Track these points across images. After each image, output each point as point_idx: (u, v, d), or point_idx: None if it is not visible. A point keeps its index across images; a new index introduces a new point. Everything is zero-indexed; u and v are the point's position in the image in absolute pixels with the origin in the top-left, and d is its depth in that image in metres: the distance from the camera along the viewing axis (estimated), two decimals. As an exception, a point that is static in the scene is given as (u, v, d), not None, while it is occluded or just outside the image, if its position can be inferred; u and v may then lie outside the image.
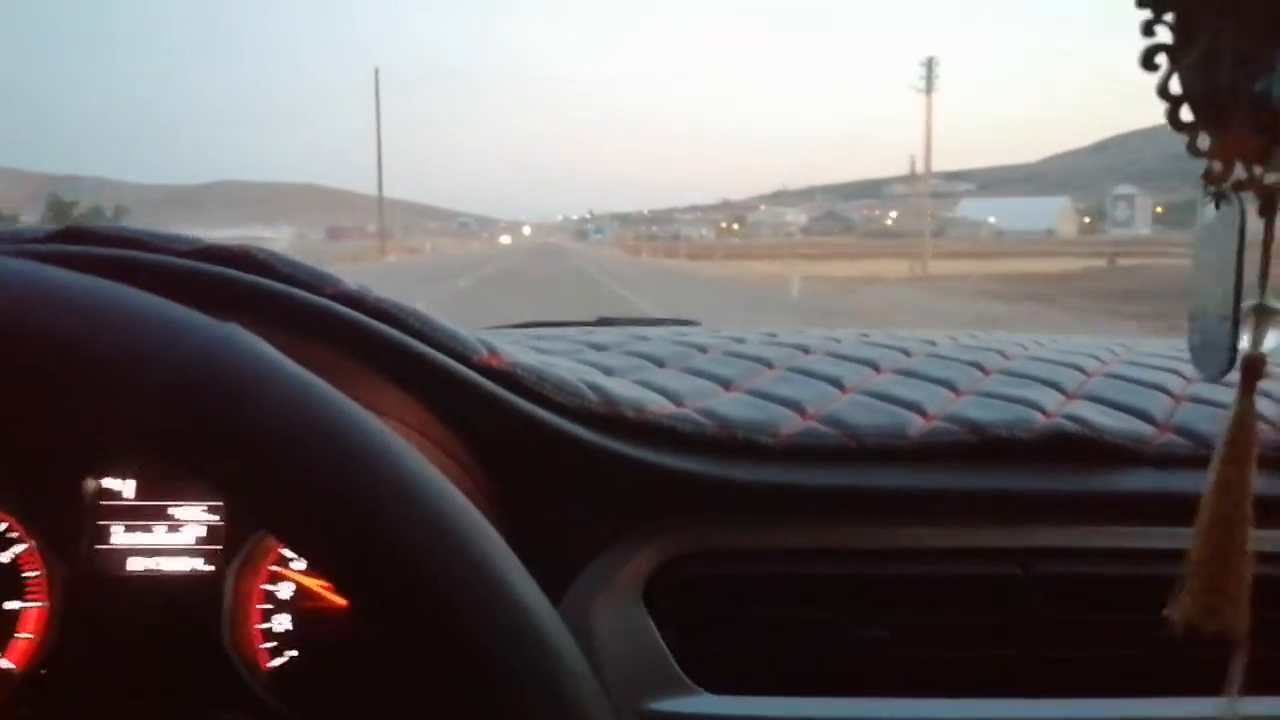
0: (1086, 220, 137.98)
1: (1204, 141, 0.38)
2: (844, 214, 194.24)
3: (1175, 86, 0.37)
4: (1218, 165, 0.38)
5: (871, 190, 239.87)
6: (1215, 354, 0.39)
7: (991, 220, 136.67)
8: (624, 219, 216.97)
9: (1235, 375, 0.39)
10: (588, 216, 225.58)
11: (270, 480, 0.34)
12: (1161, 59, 0.37)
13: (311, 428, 0.35)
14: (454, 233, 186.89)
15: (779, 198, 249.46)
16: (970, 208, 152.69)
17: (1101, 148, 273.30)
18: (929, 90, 31.80)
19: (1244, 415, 0.39)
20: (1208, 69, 0.36)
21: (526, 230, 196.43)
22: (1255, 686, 0.53)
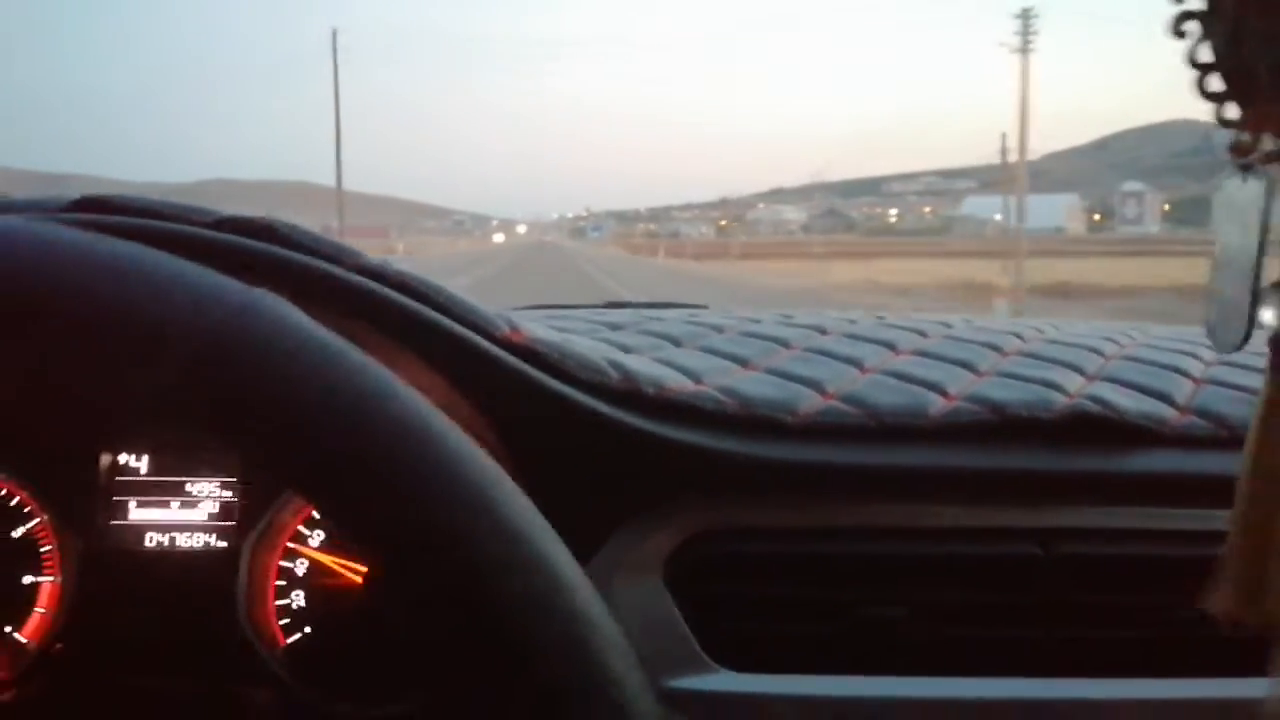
0: (1096, 218, 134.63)
1: (1232, 111, 0.37)
2: (843, 211, 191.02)
3: (1204, 55, 0.36)
4: (1246, 137, 0.37)
5: (871, 188, 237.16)
6: (1232, 327, 0.38)
7: (998, 218, 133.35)
8: (620, 217, 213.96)
9: (1253, 358, 0.37)
10: (584, 214, 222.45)
11: (300, 445, 0.34)
12: (1191, 26, 0.36)
13: (342, 393, 0.34)
14: (449, 231, 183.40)
15: (777, 195, 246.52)
16: (976, 205, 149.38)
17: (1102, 145, 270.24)
18: (1025, 50, 28.07)
19: (1274, 395, 0.38)
20: (1236, 36, 0.35)
21: (521, 229, 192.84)
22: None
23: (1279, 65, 0.34)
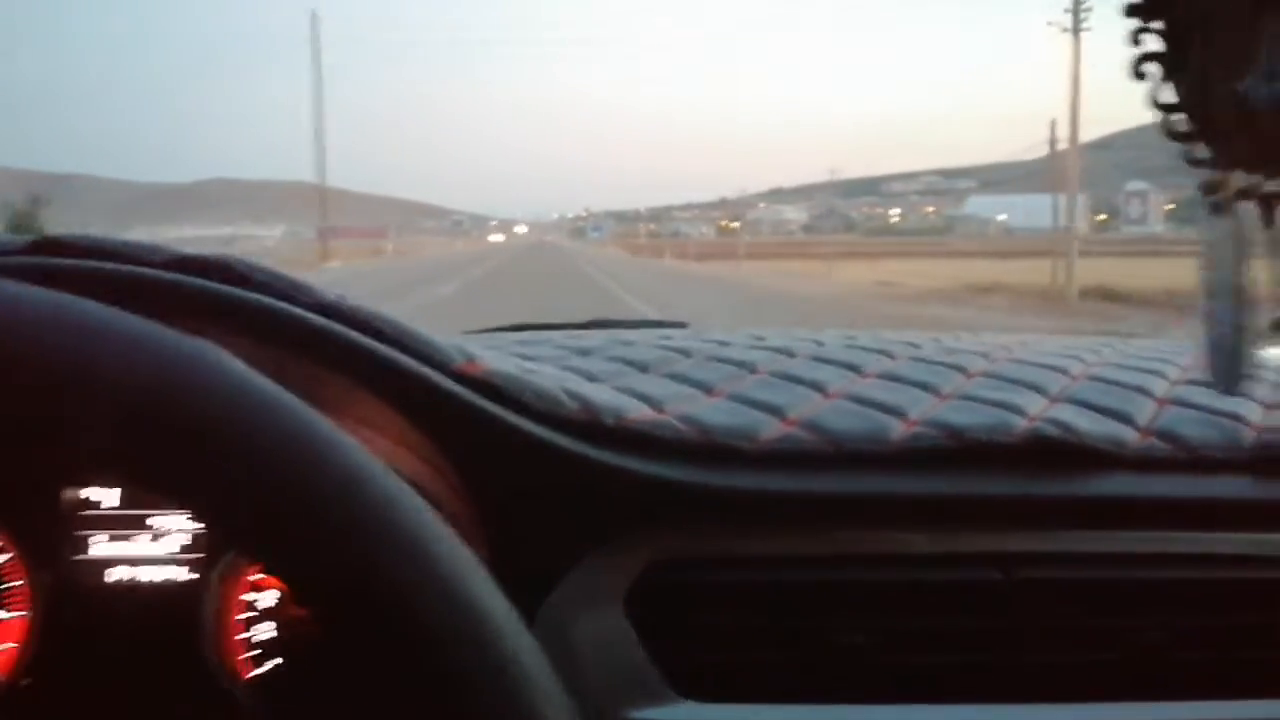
0: (1102, 217, 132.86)
1: (1201, 151, 0.37)
2: (843, 211, 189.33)
3: (1167, 95, 0.36)
4: (1215, 175, 0.37)
5: (871, 188, 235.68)
6: (1231, 367, 0.38)
7: (1001, 218, 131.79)
8: (620, 217, 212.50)
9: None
10: (583, 215, 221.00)
11: (230, 506, 0.34)
12: (1152, 68, 0.36)
13: (275, 444, 0.34)
14: (448, 231, 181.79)
15: (776, 195, 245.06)
16: (978, 204, 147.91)
17: (1104, 145, 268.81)
18: (1076, 30, 26.27)
19: None
20: (1200, 75, 0.35)
21: (521, 229, 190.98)
22: (1260, 689, 0.55)
23: (1238, 100, 0.34)
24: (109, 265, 0.57)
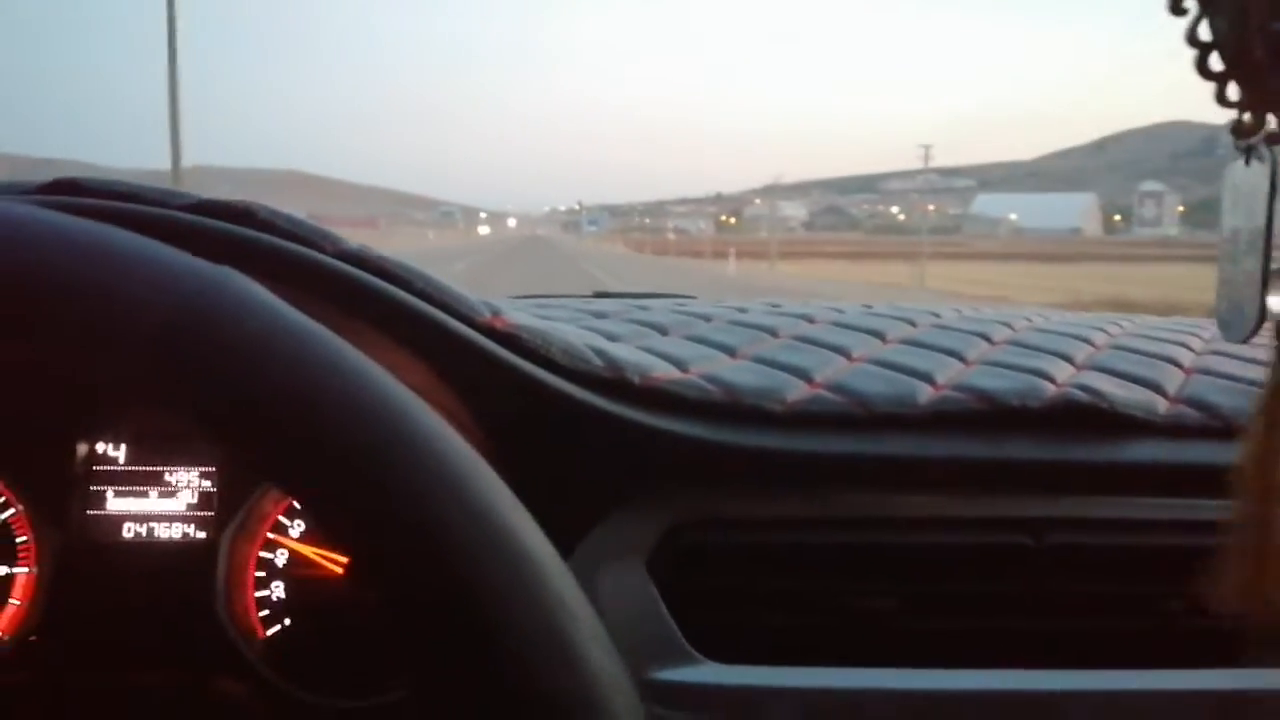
0: (1117, 218, 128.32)
1: (1233, 91, 0.35)
2: (843, 208, 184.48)
3: (1204, 33, 0.35)
4: (1248, 117, 0.36)
5: (868, 185, 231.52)
6: (1242, 316, 0.38)
7: (1012, 217, 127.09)
8: (614, 211, 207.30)
9: (1244, 348, 0.37)
10: (576, 208, 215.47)
11: (266, 427, 0.33)
12: (1190, 3, 0.35)
13: (309, 372, 0.33)
14: (437, 222, 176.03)
15: (771, 192, 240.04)
16: (987, 203, 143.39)
17: (1101, 146, 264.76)
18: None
19: (1277, 383, 0.38)
20: (1238, 13, 0.34)
21: (512, 222, 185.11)
22: (1267, 659, 0.55)
23: (1274, 38, 0.34)
24: (131, 205, 0.57)
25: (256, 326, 0.34)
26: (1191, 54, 0.35)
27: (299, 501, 0.36)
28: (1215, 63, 0.35)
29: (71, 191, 0.58)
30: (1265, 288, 0.37)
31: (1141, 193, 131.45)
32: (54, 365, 0.35)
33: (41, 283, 0.33)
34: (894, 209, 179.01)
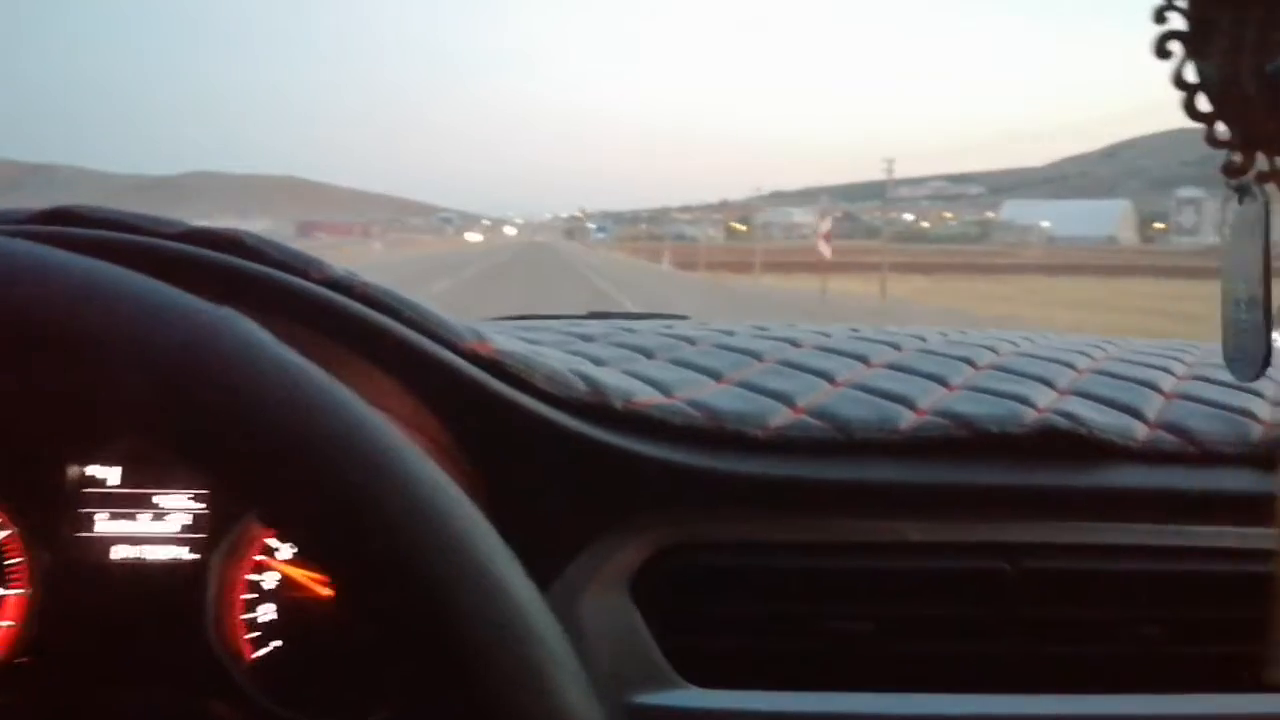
0: (1158, 226, 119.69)
1: (1222, 131, 0.35)
2: (857, 215, 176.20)
3: (1190, 75, 0.35)
4: (1238, 157, 0.36)
5: (876, 192, 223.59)
6: (1250, 355, 0.38)
7: (1045, 224, 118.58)
8: (617, 217, 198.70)
9: (1226, 373, 0.39)
10: (578, 214, 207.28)
11: (259, 465, 0.34)
12: (1175, 46, 0.35)
13: (304, 414, 0.34)
14: (433, 228, 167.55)
15: (778, 198, 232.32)
16: (1016, 210, 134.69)
17: (1112, 153, 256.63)
18: None
19: None
20: (1227, 55, 0.34)
21: (510, 230, 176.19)
22: (1244, 683, 0.55)
23: (1267, 80, 0.34)
24: (123, 235, 0.57)
25: (259, 368, 0.35)
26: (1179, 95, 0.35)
27: (285, 536, 0.38)
28: (1202, 103, 0.36)
29: (64, 221, 0.59)
30: (1269, 324, 0.37)
31: (1179, 199, 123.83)
32: (54, 401, 0.36)
33: (44, 320, 0.34)
34: (908, 216, 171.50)
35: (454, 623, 0.33)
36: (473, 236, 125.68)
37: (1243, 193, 0.36)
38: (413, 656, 0.33)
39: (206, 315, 0.36)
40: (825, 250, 22.78)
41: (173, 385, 0.34)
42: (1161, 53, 0.35)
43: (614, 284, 23.59)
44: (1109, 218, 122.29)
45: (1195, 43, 0.35)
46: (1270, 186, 0.36)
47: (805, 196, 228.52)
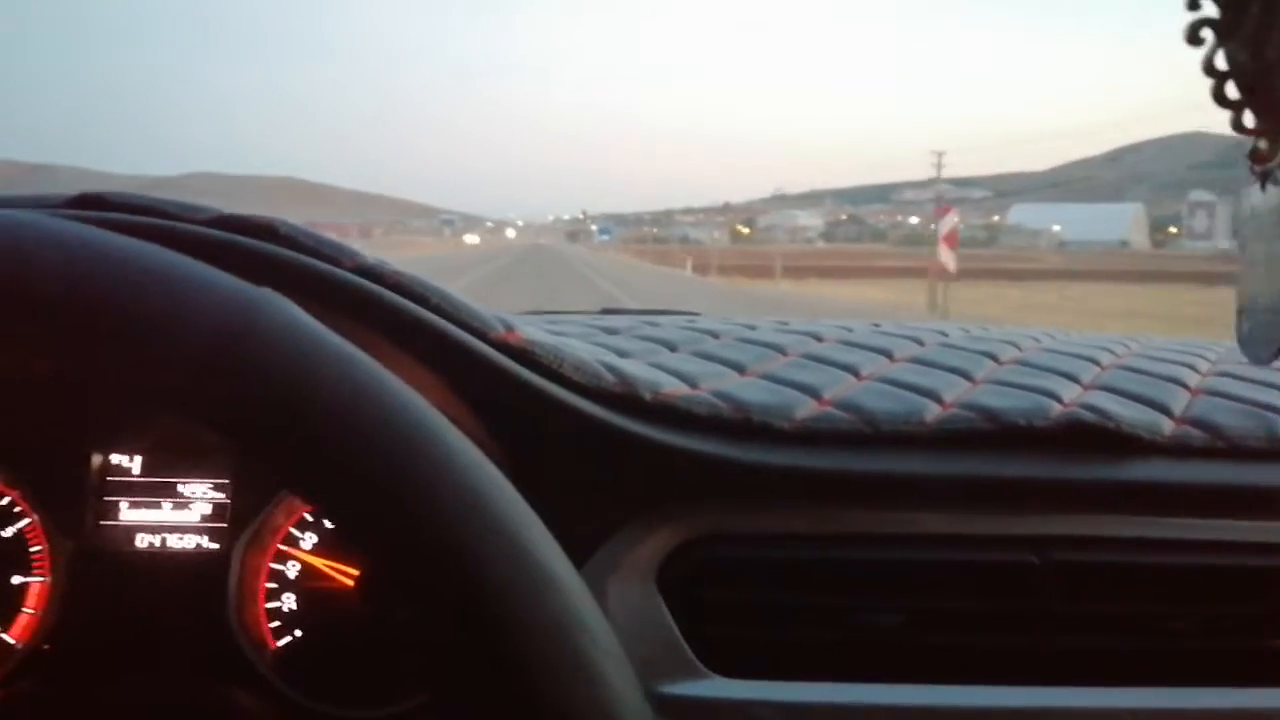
0: (1173, 230, 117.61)
1: (1249, 119, 0.36)
2: (862, 218, 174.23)
3: (1220, 62, 0.36)
4: (1264, 143, 0.36)
5: (880, 195, 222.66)
6: (1267, 338, 0.38)
7: (1055, 229, 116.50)
8: (620, 220, 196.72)
9: (1252, 370, 0.36)
10: (580, 217, 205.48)
11: (302, 443, 0.34)
12: (1207, 33, 0.36)
13: (350, 394, 0.35)
14: (435, 230, 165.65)
15: (781, 201, 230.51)
16: (1025, 213, 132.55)
17: (1117, 156, 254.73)
18: None
19: None
20: (1256, 43, 0.34)
21: (511, 233, 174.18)
22: (1265, 678, 0.56)
23: None
24: (155, 220, 0.58)
25: (296, 347, 0.35)
26: (1208, 82, 0.36)
27: (329, 518, 0.37)
28: (1231, 90, 0.36)
29: (96, 206, 0.59)
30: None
31: (1191, 202, 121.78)
32: (100, 382, 0.35)
33: (92, 298, 0.34)
34: (912, 219, 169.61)
35: (505, 612, 0.33)
36: (470, 239, 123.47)
37: (1266, 179, 0.36)
38: (460, 645, 0.33)
39: (247, 294, 0.36)
40: (949, 261, 17.03)
41: (212, 364, 0.34)
42: (1194, 39, 0.35)
43: (632, 294, 21.05)
44: (1120, 221, 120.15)
45: (1226, 30, 0.35)
46: None
47: (808, 199, 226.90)
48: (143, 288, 0.34)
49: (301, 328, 0.36)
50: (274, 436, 0.35)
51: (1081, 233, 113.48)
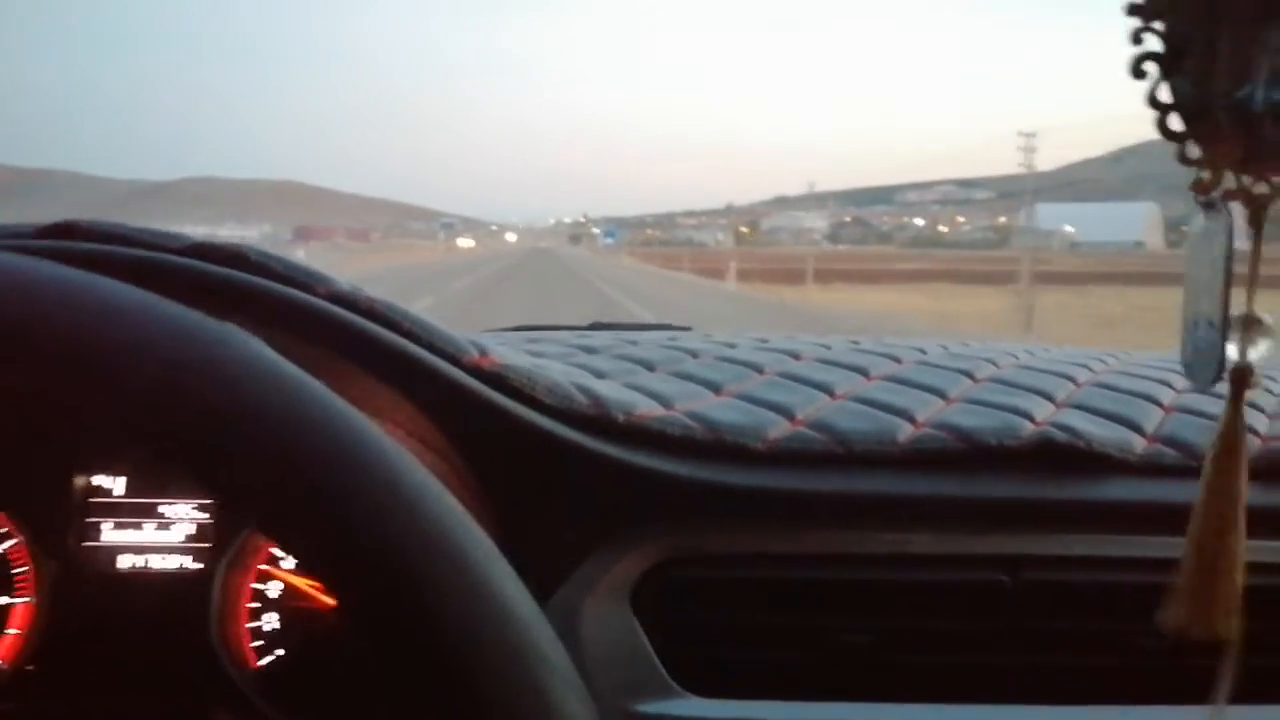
0: (1185, 230, 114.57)
1: (1193, 150, 0.37)
2: (867, 220, 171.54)
3: (1164, 95, 0.37)
4: (1206, 174, 0.38)
5: (884, 196, 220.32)
6: (1205, 364, 0.39)
7: (1069, 229, 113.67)
8: (621, 223, 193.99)
9: (1225, 386, 0.40)
10: (581, 220, 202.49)
11: (260, 480, 0.34)
12: (1150, 67, 0.37)
13: (305, 428, 0.35)
14: (433, 234, 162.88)
15: (783, 203, 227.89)
16: (1043, 213, 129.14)
17: (1118, 158, 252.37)
18: None
19: (1232, 425, 0.40)
20: (1199, 78, 0.36)
21: (511, 236, 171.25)
22: (1247, 695, 0.55)
23: (1237, 106, 0.35)
24: (126, 250, 0.58)
25: (259, 383, 0.35)
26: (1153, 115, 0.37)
27: (283, 549, 0.38)
28: (1175, 123, 0.37)
29: (69, 235, 0.59)
30: (1224, 335, 0.39)
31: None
32: (58, 415, 0.37)
33: (49, 335, 0.34)
34: (918, 220, 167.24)
35: (450, 635, 0.33)
36: (464, 242, 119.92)
37: (1209, 208, 0.38)
38: (409, 670, 0.33)
39: (208, 330, 0.36)
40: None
41: (170, 401, 0.34)
42: (1138, 73, 0.37)
43: (642, 304, 17.17)
44: (1135, 222, 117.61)
45: (1169, 65, 0.37)
46: (1234, 203, 0.38)
47: (812, 201, 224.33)
48: (97, 321, 0.35)
49: (255, 361, 0.36)
50: (226, 472, 0.35)
51: (1095, 233, 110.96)
